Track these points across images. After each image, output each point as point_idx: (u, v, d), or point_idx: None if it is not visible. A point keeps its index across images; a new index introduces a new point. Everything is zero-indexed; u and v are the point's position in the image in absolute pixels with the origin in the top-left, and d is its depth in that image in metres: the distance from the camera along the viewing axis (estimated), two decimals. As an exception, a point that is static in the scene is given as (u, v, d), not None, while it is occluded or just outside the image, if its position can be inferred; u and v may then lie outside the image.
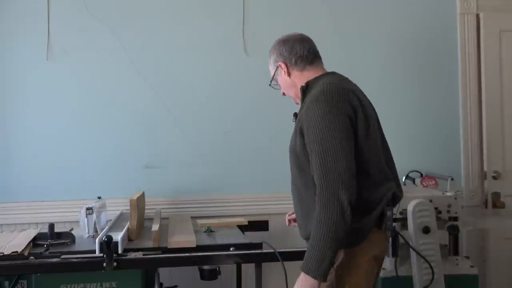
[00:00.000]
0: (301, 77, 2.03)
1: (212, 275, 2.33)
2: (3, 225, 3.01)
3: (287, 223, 2.37)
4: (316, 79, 1.99)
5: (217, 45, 3.19)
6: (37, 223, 2.97)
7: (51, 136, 3.07)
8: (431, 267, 2.58)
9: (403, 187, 2.85)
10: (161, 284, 2.34)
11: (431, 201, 2.65)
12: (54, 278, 2.19)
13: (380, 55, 3.32)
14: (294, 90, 2.05)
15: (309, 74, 2.03)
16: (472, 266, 2.71)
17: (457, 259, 2.69)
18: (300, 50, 2.06)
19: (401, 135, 3.31)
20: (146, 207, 2.77)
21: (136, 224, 2.42)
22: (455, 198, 2.68)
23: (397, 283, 2.62)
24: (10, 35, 3.05)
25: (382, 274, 2.65)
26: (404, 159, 3.24)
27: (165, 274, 2.45)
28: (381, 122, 3.30)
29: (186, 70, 3.18)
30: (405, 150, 3.30)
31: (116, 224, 2.56)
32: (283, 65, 2.05)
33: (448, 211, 2.68)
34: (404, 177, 3.00)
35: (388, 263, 2.67)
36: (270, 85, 2.15)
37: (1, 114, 3.05)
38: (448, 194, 2.70)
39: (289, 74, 2.05)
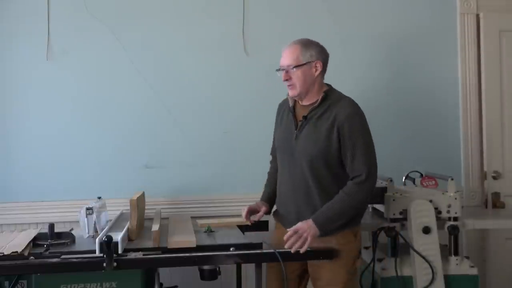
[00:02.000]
0: (321, 82, 2.41)
1: (212, 275, 2.32)
2: (3, 225, 3.01)
3: (244, 216, 2.51)
4: (331, 90, 2.41)
5: (217, 45, 3.19)
6: (37, 223, 2.97)
7: (51, 136, 3.07)
8: (431, 267, 2.59)
9: (403, 187, 2.87)
10: (161, 284, 2.34)
11: (431, 201, 2.65)
12: (54, 278, 2.18)
13: (380, 55, 3.32)
14: (309, 86, 2.37)
15: (324, 84, 2.43)
16: (472, 266, 2.71)
17: (457, 259, 2.69)
18: (327, 66, 2.44)
19: (401, 135, 3.32)
20: (146, 207, 2.77)
21: (136, 224, 2.42)
22: (455, 198, 2.68)
23: (397, 283, 2.62)
24: (10, 35, 3.06)
25: (382, 274, 2.65)
26: (404, 159, 3.25)
27: (165, 274, 2.45)
28: (381, 122, 3.33)
29: (186, 70, 3.18)
30: (405, 150, 3.31)
31: (116, 224, 2.56)
32: (319, 65, 2.37)
33: (448, 211, 2.68)
34: (404, 177, 3.00)
35: (388, 263, 2.67)
36: (285, 69, 2.38)
37: (1, 114, 3.06)
38: (448, 194, 2.70)
39: (318, 74, 2.37)
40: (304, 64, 2.35)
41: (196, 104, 3.18)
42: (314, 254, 2.34)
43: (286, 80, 2.37)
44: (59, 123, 3.08)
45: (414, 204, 2.63)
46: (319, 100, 2.35)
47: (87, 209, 2.48)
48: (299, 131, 2.38)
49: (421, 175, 2.96)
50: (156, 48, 3.16)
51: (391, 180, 2.72)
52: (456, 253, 2.69)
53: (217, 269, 2.32)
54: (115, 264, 2.11)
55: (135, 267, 2.20)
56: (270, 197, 2.59)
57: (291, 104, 2.45)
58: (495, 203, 3.34)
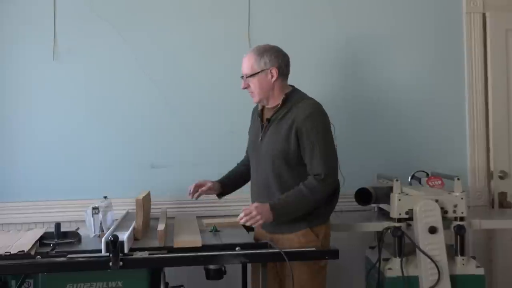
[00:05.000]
0: (281, 86, 2.47)
1: (217, 274, 2.32)
2: (9, 224, 3.02)
3: (191, 192, 2.64)
4: (293, 92, 2.47)
5: (222, 45, 3.19)
6: (43, 223, 2.97)
7: (57, 136, 3.08)
8: (437, 267, 2.58)
9: (409, 187, 2.86)
10: (166, 284, 2.34)
11: (437, 201, 2.64)
12: (60, 277, 2.19)
13: (385, 54, 3.31)
14: (267, 92, 2.45)
15: (285, 86, 2.49)
16: (478, 266, 2.70)
17: (463, 259, 2.68)
18: (289, 67, 2.50)
19: (407, 134, 3.31)
20: (151, 206, 2.77)
21: (142, 224, 2.43)
22: (462, 198, 2.67)
23: (403, 283, 2.62)
24: (16, 35, 3.07)
25: (388, 274, 2.65)
26: (410, 159, 3.24)
27: (171, 273, 2.45)
28: (386, 122, 3.32)
29: (191, 69, 3.18)
30: (411, 150, 3.30)
31: (122, 223, 2.57)
32: (275, 72, 2.42)
33: (455, 211, 2.67)
34: (410, 177, 2.99)
35: (394, 263, 2.66)
36: (243, 78, 2.47)
37: (8, 113, 3.07)
38: (455, 194, 2.69)
39: (275, 80, 2.43)
40: (259, 72, 2.43)
41: (202, 104, 3.18)
42: (319, 253, 2.35)
43: (245, 88, 2.48)
44: (65, 123, 3.09)
45: (420, 204, 2.62)
46: (281, 102, 2.43)
47: (93, 208, 2.49)
48: (263, 133, 2.48)
49: (427, 174, 2.95)
50: (162, 48, 3.16)
51: (397, 180, 2.71)
52: (462, 253, 2.68)
53: (223, 268, 2.32)
54: (121, 263, 2.11)
55: (141, 267, 2.20)
56: (223, 180, 2.72)
57: (259, 107, 2.56)
58: (502, 203, 3.32)
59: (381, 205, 2.92)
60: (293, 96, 2.45)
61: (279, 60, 2.45)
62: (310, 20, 3.25)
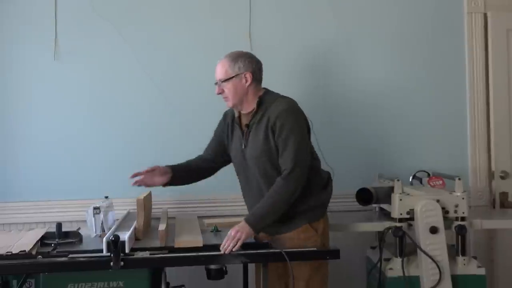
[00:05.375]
0: (255, 91, 2.49)
1: (218, 274, 2.32)
2: (11, 224, 3.03)
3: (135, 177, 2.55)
4: (266, 94, 2.50)
5: (223, 45, 3.18)
6: (44, 222, 2.97)
7: (58, 136, 3.09)
8: (438, 267, 2.58)
9: (410, 187, 2.86)
10: (168, 284, 2.34)
11: (438, 201, 2.64)
12: (62, 277, 2.19)
13: (386, 54, 3.31)
14: (241, 97, 2.47)
15: (259, 91, 2.51)
16: (479, 266, 2.70)
17: (464, 259, 2.68)
18: (262, 73, 2.54)
19: (408, 134, 3.31)
20: (152, 206, 2.77)
21: (143, 224, 2.43)
22: (463, 198, 2.67)
23: (404, 283, 2.62)
24: (17, 35, 3.07)
25: (389, 274, 2.65)
26: (411, 159, 3.25)
27: (172, 273, 2.45)
28: (387, 122, 3.33)
29: (192, 69, 3.18)
30: (412, 150, 3.30)
31: (123, 223, 2.57)
32: (249, 76, 2.45)
33: (456, 211, 2.67)
34: (411, 177, 2.99)
35: (395, 263, 2.66)
36: (218, 83, 2.48)
37: (9, 113, 3.07)
38: (456, 194, 2.69)
39: (249, 85, 2.45)
40: (233, 77, 2.45)
41: (203, 104, 3.18)
42: (320, 254, 2.35)
43: (220, 93, 2.49)
44: (66, 123, 3.09)
45: (421, 204, 2.62)
46: (256, 106, 2.46)
47: (94, 208, 2.49)
48: (245, 140, 2.49)
49: (428, 174, 2.96)
50: (163, 48, 3.16)
51: (398, 180, 2.71)
52: (463, 253, 2.68)
53: (224, 268, 2.32)
54: (122, 263, 2.12)
55: (142, 267, 2.20)
56: (175, 166, 2.66)
57: (236, 114, 2.56)
58: (503, 203, 3.32)
59: (382, 205, 2.91)
60: (266, 98, 2.48)
61: (253, 65, 2.48)
62: (311, 20, 3.25)
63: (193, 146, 3.14)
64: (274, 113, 2.40)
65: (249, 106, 2.49)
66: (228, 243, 2.24)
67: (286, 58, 3.23)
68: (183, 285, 2.45)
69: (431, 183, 2.85)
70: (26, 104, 3.08)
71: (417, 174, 3.00)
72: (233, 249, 2.24)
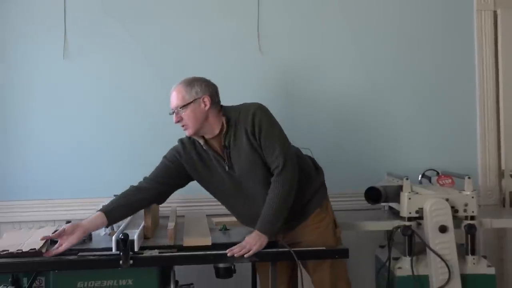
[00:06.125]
0: (216, 112, 2.39)
1: (227, 273, 2.33)
2: (21, 222, 3.05)
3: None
4: (227, 110, 2.42)
5: (231, 43, 3.20)
6: (54, 221, 3.00)
7: (68, 134, 3.10)
8: (447, 266, 2.57)
9: (419, 186, 2.85)
10: (176, 282, 2.35)
11: (447, 200, 2.63)
12: (71, 275, 2.20)
13: (395, 53, 3.30)
14: (202, 122, 2.36)
15: (219, 111, 2.41)
16: (489, 266, 2.68)
17: (474, 259, 2.66)
18: (219, 96, 2.45)
19: (417, 133, 3.30)
20: (161, 205, 2.78)
21: (151, 222, 2.44)
22: (472, 197, 2.65)
23: (413, 282, 2.61)
24: (27, 34, 3.09)
25: (398, 273, 2.64)
26: (420, 157, 3.23)
27: (180, 272, 2.46)
28: (396, 120, 3.31)
29: (200, 68, 3.15)
30: (421, 149, 3.29)
31: (132, 222, 2.58)
32: (207, 100, 2.36)
33: (465, 210, 2.65)
34: (420, 176, 2.98)
35: (404, 262, 2.65)
36: (175, 111, 2.39)
37: (18, 112, 3.09)
38: (465, 192, 2.67)
39: (208, 108, 2.36)
40: (191, 102, 2.36)
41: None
42: (329, 253, 2.35)
43: (178, 121, 2.38)
44: (75, 121, 3.11)
45: (431, 202, 2.61)
46: (225, 124, 2.37)
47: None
48: (228, 160, 2.39)
49: (437, 173, 2.94)
50: (171, 46, 3.17)
51: (407, 179, 2.70)
52: (473, 253, 2.67)
53: (232, 267, 2.33)
54: (131, 261, 2.13)
55: (151, 265, 2.21)
56: (110, 210, 2.34)
57: (202, 142, 2.42)
58: (513, 202, 3.30)
59: (391, 204, 2.91)
60: (230, 113, 2.40)
61: (210, 88, 2.40)
62: (319, 19, 3.24)
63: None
64: (247, 121, 2.34)
65: (214, 129, 2.38)
66: (237, 250, 2.22)
67: (294, 57, 3.22)
68: (192, 284, 2.46)
69: (440, 181, 2.84)
70: (35, 103, 3.10)
71: (426, 173, 2.98)
72: (245, 255, 2.22)
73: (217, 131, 2.39)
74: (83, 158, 3.11)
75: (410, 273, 2.61)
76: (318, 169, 2.58)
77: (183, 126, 2.38)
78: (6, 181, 3.07)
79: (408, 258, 2.64)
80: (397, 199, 2.73)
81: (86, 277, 2.20)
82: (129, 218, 2.64)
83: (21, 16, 3.09)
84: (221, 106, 2.44)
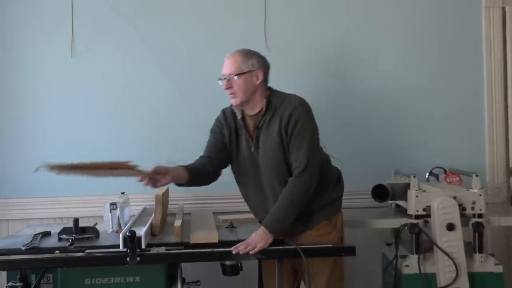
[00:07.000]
0: (263, 91, 2.42)
1: (234, 270, 2.33)
2: (29, 219, 3.06)
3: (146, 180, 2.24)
4: (274, 94, 2.43)
5: (238, 41, 3.17)
6: (62, 218, 3.02)
7: (75, 132, 3.12)
8: (455, 264, 2.56)
9: (426, 183, 2.84)
10: (183, 279, 2.35)
11: (455, 197, 2.62)
12: (79, 272, 2.21)
13: (403, 50, 3.28)
14: (250, 95, 2.38)
15: (266, 90, 2.44)
16: (497, 264, 2.67)
17: (481, 257, 2.65)
18: (269, 75, 2.47)
19: (424, 131, 3.28)
20: (169, 202, 2.79)
21: (160, 219, 2.44)
22: (480, 195, 2.64)
23: (421, 280, 2.60)
24: (35, 33, 3.11)
25: (405, 271, 2.63)
26: (427, 155, 3.22)
27: (187, 269, 2.46)
28: (403, 118, 3.30)
29: (207, 66, 3.18)
30: (428, 146, 3.27)
31: (139, 219, 2.59)
32: (260, 75, 2.39)
33: (473, 208, 2.64)
34: (427, 174, 2.97)
35: (411, 260, 2.64)
36: (227, 77, 2.38)
37: (26, 110, 3.11)
38: (473, 190, 2.66)
39: (259, 83, 2.38)
40: (246, 72, 2.37)
41: (218, 100, 3.16)
42: (336, 250, 2.35)
43: (228, 88, 2.39)
44: (83, 119, 3.12)
45: (438, 200, 2.60)
46: (265, 106, 2.38)
47: (111, 204, 2.51)
48: (256, 142, 2.40)
49: (445, 171, 2.93)
50: (178, 45, 3.17)
51: (414, 176, 2.69)
52: (480, 251, 2.65)
53: (239, 264, 2.33)
54: (138, 258, 2.13)
55: (158, 262, 2.22)
56: (190, 170, 2.40)
57: (239, 116, 2.45)
58: (521, 200, 3.28)
59: (398, 202, 2.90)
60: (274, 98, 2.40)
61: (265, 65, 2.43)
62: (326, 18, 3.24)
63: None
64: (286, 112, 2.34)
65: (255, 106, 2.41)
66: (242, 248, 2.22)
67: (301, 55, 3.22)
68: (198, 281, 2.47)
69: (447, 179, 2.82)
70: (42, 101, 3.12)
71: (434, 171, 2.97)
72: (250, 253, 2.22)
73: (257, 109, 2.40)
74: (92, 156, 3.10)
75: (417, 271, 2.60)
76: (340, 183, 2.54)
77: (231, 94, 2.39)
78: (13, 179, 3.09)
79: (415, 256, 2.63)
80: (404, 197, 2.72)
81: (93, 274, 2.21)
82: (136, 215, 2.66)
83: (28, 14, 3.11)
84: (268, 87, 2.46)
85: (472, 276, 2.61)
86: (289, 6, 3.22)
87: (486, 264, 2.66)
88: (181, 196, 3.06)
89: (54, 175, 3.07)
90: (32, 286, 2.23)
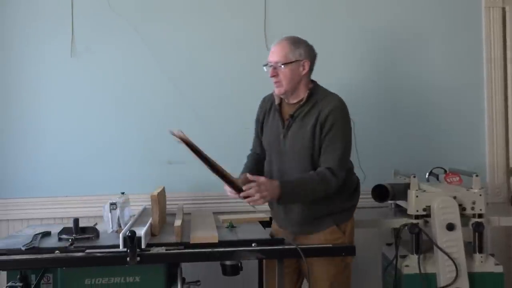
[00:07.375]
0: (307, 81, 2.41)
1: (234, 270, 2.33)
2: (29, 219, 3.06)
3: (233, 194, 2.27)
4: (317, 88, 2.41)
5: (239, 41, 3.20)
6: (62, 218, 3.02)
7: (75, 132, 3.12)
8: (455, 264, 2.56)
9: (426, 183, 2.84)
10: (183, 279, 2.35)
11: (455, 197, 2.62)
12: (79, 272, 2.21)
13: (402, 50, 3.28)
14: (295, 84, 2.36)
15: (310, 81, 2.43)
16: (497, 264, 2.67)
17: (481, 257, 2.65)
18: (314, 65, 2.44)
19: (424, 130, 3.28)
20: (168, 202, 2.79)
21: (158, 219, 2.44)
22: (480, 195, 2.64)
23: (421, 280, 2.60)
24: (35, 33, 3.11)
25: (405, 271, 2.63)
26: (427, 155, 3.22)
27: (187, 269, 2.46)
28: (404, 118, 3.29)
29: (208, 66, 3.19)
30: (428, 146, 3.27)
31: (139, 219, 2.59)
32: (307, 65, 2.36)
33: (473, 208, 2.64)
34: (427, 174, 2.97)
35: (411, 260, 2.64)
36: (273, 65, 2.36)
37: (27, 110, 3.11)
38: (473, 190, 2.66)
39: (305, 73, 2.36)
40: (293, 62, 2.34)
41: (218, 100, 3.19)
42: (336, 250, 2.34)
43: (273, 76, 2.36)
44: (83, 119, 3.12)
45: (438, 200, 2.60)
46: (305, 98, 2.36)
47: (111, 204, 2.51)
48: (286, 130, 2.39)
49: (445, 171, 2.93)
50: (178, 45, 3.18)
51: (414, 176, 2.69)
52: (480, 251, 2.65)
53: (239, 264, 2.33)
54: (138, 258, 2.13)
55: (158, 262, 2.22)
56: (250, 170, 2.49)
57: (277, 102, 2.45)
58: (521, 200, 3.28)
59: (398, 202, 2.90)
60: (316, 92, 2.38)
61: (312, 55, 2.40)
62: (327, 17, 3.24)
63: (209, 142, 3.15)
64: (326, 108, 2.31)
65: (298, 96, 2.39)
66: (253, 192, 2.15)
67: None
68: (198, 281, 2.46)
69: (448, 179, 2.82)
70: (42, 101, 3.12)
71: (434, 171, 2.97)
72: (250, 203, 2.19)
73: (298, 99, 2.39)
74: (92, 156, 3.13)
75: (417, 271, 2.60)
76: (356, 192, 2.50)
77: (276, 83, 2.36)
78: (13, 179, 3.09)
79: (415, 256, 2.63)
80: (404, 197, 2.72)
81: (93, 274, 2.21)
82: (136, 215, 2.66)
83: (28, 14, 3.11)
84: (312, 80, 2.43)
85: (472, 276, 2.60)
86: (289, 6, 3.23)
87: (486, 264, 2.66)
88: (181, 196, 3.06)
89: (54, 176, 3.10)
90: (32, 286, 2.23)
